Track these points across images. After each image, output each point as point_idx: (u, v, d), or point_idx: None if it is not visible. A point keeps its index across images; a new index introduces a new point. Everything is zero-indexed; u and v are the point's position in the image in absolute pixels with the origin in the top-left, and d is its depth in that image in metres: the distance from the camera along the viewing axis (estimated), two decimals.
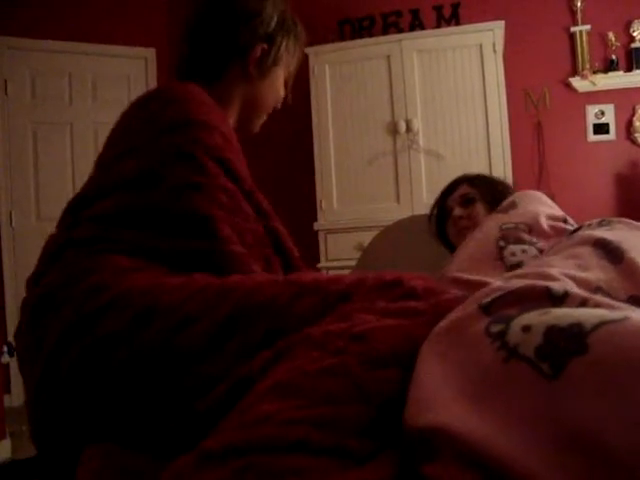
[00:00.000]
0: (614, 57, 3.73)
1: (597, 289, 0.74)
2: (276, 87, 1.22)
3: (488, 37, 3.61)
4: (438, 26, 3.88)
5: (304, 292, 0.74)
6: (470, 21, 3.75)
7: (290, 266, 1.02)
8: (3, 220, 3.91)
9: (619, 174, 3.79)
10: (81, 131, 4.17)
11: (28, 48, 4.00)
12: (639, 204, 3.69)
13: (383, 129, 3.76)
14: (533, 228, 1.20)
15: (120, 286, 0.81)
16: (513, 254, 1.14)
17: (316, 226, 3.74)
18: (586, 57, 3.79)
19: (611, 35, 3.74)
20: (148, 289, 0.80)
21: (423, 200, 3.54)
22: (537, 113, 3.88)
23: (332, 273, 3.28)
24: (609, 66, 3.75)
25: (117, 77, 4.30)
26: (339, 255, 3.63)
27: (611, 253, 0.82)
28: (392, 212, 3.44)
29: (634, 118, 3.77)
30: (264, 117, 1.26)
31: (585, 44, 3.80)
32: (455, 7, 3.86)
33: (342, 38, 4.03)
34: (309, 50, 3.63)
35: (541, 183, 3.75)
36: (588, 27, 3.79)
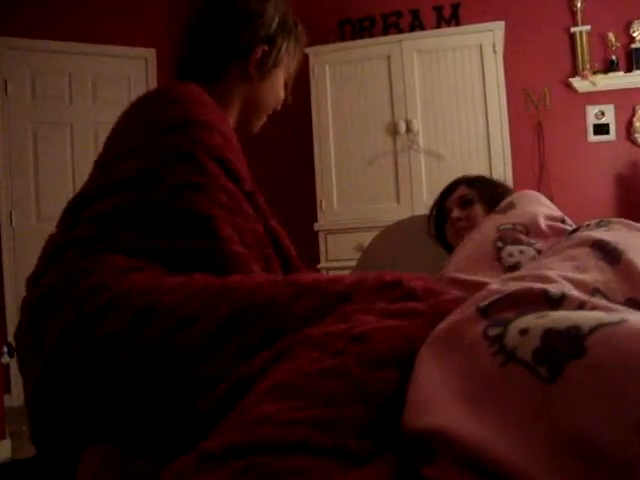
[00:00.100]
0: (614, 57, 3.73)
1: (594, 291, 0.74)
2: (276, 88, 1.23)
3: (488, 37, 3.61)
4: (438, 26, 3.88)
5: (304, 293, 0.74)
6: (470, 21, 3.75)
7: (288, 266, 1.02)
8: (3, 220, 3.91)
9: (619, 174, 3.79)
10: (81, 131, 4.17)
11: (28, 48, 4.00)
12: (639, 205, 3.69)
13: (383, 129, 3.76)
14: (531, 229, 1.20)
15: (120, 286, 0.81)
16: (511, 255, 1.14)
17: (316, 226, 3.74)
18: (586, 57, 3.79)
19: (611, 35, 3.74)
20: (148, 289, 0.80)
21: (423, 200, 3.54)
22: (537, 113, 3.88)
23: (332, 273, 3.28)
24: (609, 66, 3.75)
25: (117, 77, 4.29)
26: (339, 255, 3.63)
27: (609, 254, 0.82)
28: (392, 212, 3.44)
29: (634, 118, 3.77)
30: (264, 118, 1.26)
31: (585, 44, 3.80)
32: (455, 7, 3.87)
33: (342, 38, 4.03)
34: (309, 50, 3.63)
35: (541, 183, 3.75)
36: (588, 27, 3.79)
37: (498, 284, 0.69)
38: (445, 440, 0.50)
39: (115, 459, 0.76)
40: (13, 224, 3.94)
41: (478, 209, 1.46)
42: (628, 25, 3.77)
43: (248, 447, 0.52)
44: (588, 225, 1.03)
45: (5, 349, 3.43)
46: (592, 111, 3.84)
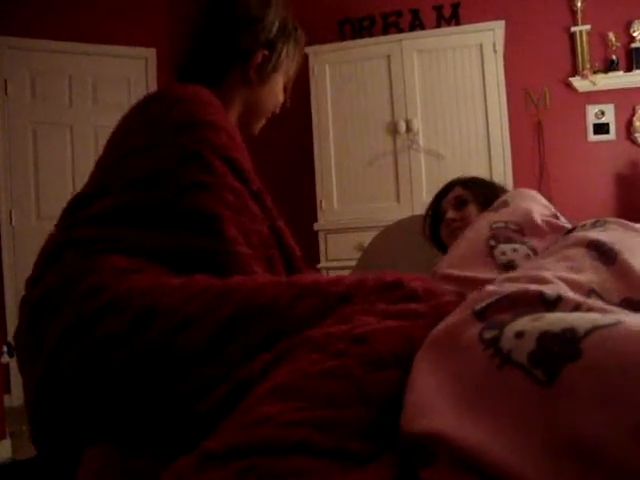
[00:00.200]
0: (614, 57, 3.73)
1: (590, 291, 0.74)
2: (275, 92, 1.23)
3: (488, 37, 3.61)
4: (438, 26, 3.88)
5: (304, 294, 0.74)
6: (470, 21, 3.75)
7: (292, 267, 1.02)
8: (3, 219, 3.91)
9: (619, 174, 3.79)
10: (81, 131, 4.17)
11: (28, 48, 4.00)
12: (639, 204, 3.68)
13: (383, 129, 3.75)
14: (524, 226, 1.20)
15: (119, 287, 0.81)
16: (503, 253, 1.14)
17: (316, 226, 3.74)
18: (586, 57, 3.79)
19: (611, 35, 3.74)
20: (148, 290, 0.80)
21: (423, 200, 3.54)
22: (537, 113, 3.88)
23: (332, 273, 3.28)
24: (609, 66, 3.74)
25: (117, 77, 4.29)
26: (339, 255, 3.63)
27: (605, 254, 0.82)
28: (392, 212, 3.44)
29: (634, 118, 3.76)
30: (263, 121, 1.27)
31: (585, 44, 3.80)
32: (455, 7, 3.86)
33: (342, 38, 4.02)
34: (309, 50, 3.63)
35: (541, 183, 3.75)
36: (588, 27, 3.79)
37: (494, 285, 0.69)
38: (442, 444, 0.50)
39: (115, 459, 0.76)
40: (13, 223, 3.94)
41: (472, 209, 1.46)
42: (628, 25, 3.77)
43: (249, 447, 0.52)
44: (584, 225, 1.03)
45: (5, 349, 3.43)
46: (592, 111, 3.84)
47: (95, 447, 0.78)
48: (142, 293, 0.79)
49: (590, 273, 0.78)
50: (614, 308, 0.64)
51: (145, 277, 0.83)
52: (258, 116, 1.24)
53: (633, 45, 3.74)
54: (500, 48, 3.61)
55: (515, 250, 1.13)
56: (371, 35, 3.97)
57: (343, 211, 3.76)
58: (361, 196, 3.75)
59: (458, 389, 0.54)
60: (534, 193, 1.36)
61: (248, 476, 0.50)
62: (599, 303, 0.64)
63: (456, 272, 1.13)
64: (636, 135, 3.75)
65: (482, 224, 1.25)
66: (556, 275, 0.74)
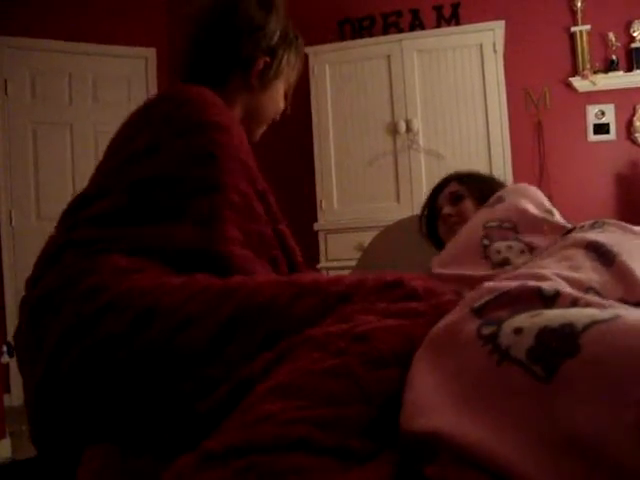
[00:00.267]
0: (614, 57, 3.73)
1: (589, 290, 0.74)
2: (276, 99, 1.25)
3: (488, 37, 3.61)
4: (438, 26, 3.88)
5: (304, 293, 0.75)
6: (470, 21, 3.75)
7: (293, 269, 1.03)
8: (3, 219, 3.91)
9: (619, 174, 3.79)
10: (81, 131, 4.17)
11: (28, 48, 4.00)
12: (639, 205, 3.68)
13: (383, 129, 3.75)
14: (519, 223, 1.19)
15: (119, 287, 0.81)
16: (498, 251, 1.13)
17: (316, 226, 3.74)
18: (586, 57, 3.79)
19: (611, 35, 3.74)
20: (148, 290, 0.80)
21: (423, 200, 3.53)
22: (537, 113, 3.88)
23: (332, 273, 3.28)
24: (609, 66, 3.74)
25: (117, 77, 4.29)
26: (339, 255, 3.63)
27: (603, 256, 0.82)
28: (392, 212, 3.44)
29: (634, 118, 3.77)
30: (264, 127, 1.28)
31: (585, 44, 3.80)
32: (455, 7, 3.86)
33: (342, 38, 4.02)
34: (309, 50, 3.63)
35: (541, 183, 3.75)
36: (588, 27, 3.79)
37: (492, 283, 0.69)
38: (441, 442, 0.50)
39: (116, 459, 0.76)
40: (13, 223, 3.94)
41: (469, 204, 1.45)
42: (628, 25, 3.77)
43: (249, 446, 0.53)
44: (582, 227, 1.03)
45: (5, 349, 3.43)
46: (592, 111, 3.84)
47: (95, 447, 0.78)
48: (142, 293, 0.79)
49: (589, 272, 0.78)
50: (612, 302, 0.64)
51: (146, 277, 0.83)
52: (259, 122, 1.25)
53: (633, 45, 3.74)
54: (500, 48, 3.61)
55: (510, 247, 1.12)
56: (371, 35, 3.97)
57: (343, 211, 3.76)
58: (361, 196, 3.75)
59: (457, 386, 0.54)
60: (531, 189, 1.34)
61: (249, 475, 0.50)
62: (597, 298, 0.64)
63: (448, 271, 1.13)
64: (636, 135, 3.75)
65: (476, 223, 1.24)
66: (555, 272, 0.74)
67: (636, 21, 3.75)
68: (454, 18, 3.87)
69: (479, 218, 1.26)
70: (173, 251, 0.89)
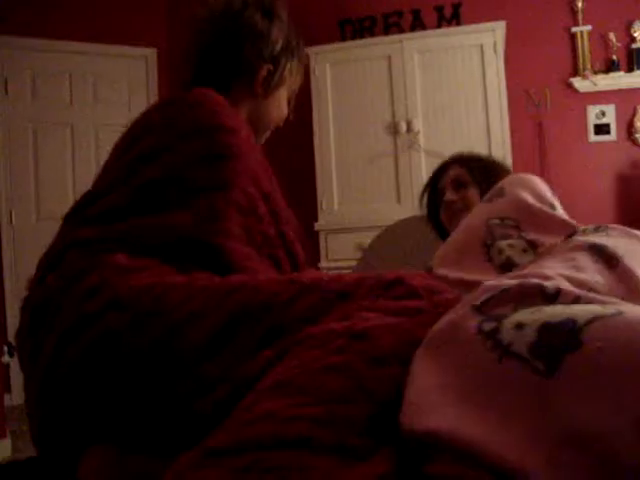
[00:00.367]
0: (615, 57, 3.73)
1: (592, 290, 0.74)
2: (280, 105, 1.27)
3: (489, 37, 3.61)
4: (439, 26, 3.88)
5: (304, 291, 0.75)
6: (471, 21, 3.75)
7: (296, 270, 1.03)
8: (3, 219, 3.91)
9: (620, 175, 3.79)
10: (81, 130, 4.17)
11: (29, 47, 4.00)
12: None
13: (384, 129, 3.75)
14: (521, 219, 1.17)
15: (121, 286, 0.81)
16: (500, 251, 1.12)
17: (316, 226, 3.74)
18: (587, 57, 3.79)
19: (612, 35, 3.74)
20: (149, 288, 0.80)
21: (423, 200, 3.54)
22: (538, 113, 3.88)
23: (333, 273, 3.27)
24: (610, 66, 3.74)
25: (118, 77, 4.29)
26: (339, 255, 3.63)
27: (606, 259, 0.82)
28: (393, 212, 3.43)
29: (635, 118, 3.76)
30: (268, 133, 1.31)
31: (586, 44, 3.80)
32: (456, 7, 3.86)
33: (343, 38, 4.02)
34: (310, 50, 3.63)
35: None
36: (589, 27, 3.79)
37: (493, 281, 0.68)
38: (441, 441, 0.50)
39: (117, 459, 0.76)
40: (13, 223, 3.94)
41: (473, 192, 1.44)
42: (629, 25, 3.77)
43: (250, 444, 0.53)
44: (585, 230, 1.02)
45: (5, 349, 3.43)
46: (593, 111, 3.83)
47: (97, 447, 0.78)
48: (144, 291, 0.80)
49: (593, 273, 0.78)
50: (614, 299, 0.64)
51: (147, 275, 0.84)
52: (263, 128, 1.27)
53: (634, 45, 3.74)
54: (501, 48, 3.61)
55: (511, 246, 1.11)
56: (372, 35, 3.97)
57: (343, 211, 3.76)
58: (362, 196, 3.75)
59: (458, 383, 0.54)
60: (532, 180, 1.32)
61: (250, 472, 0.50)
62: (599, 296, 0.64)
63: (452, 274, 1.12)
64: (637, 136, 3.75)
65: (477, 220, 1.22)
66: (558, 272, 0.74)
67: (637, 21, 3.75)
68: (455, 18, 3.87)
69: (480, 214, 1.24)
70: (174, 243, 0.90)
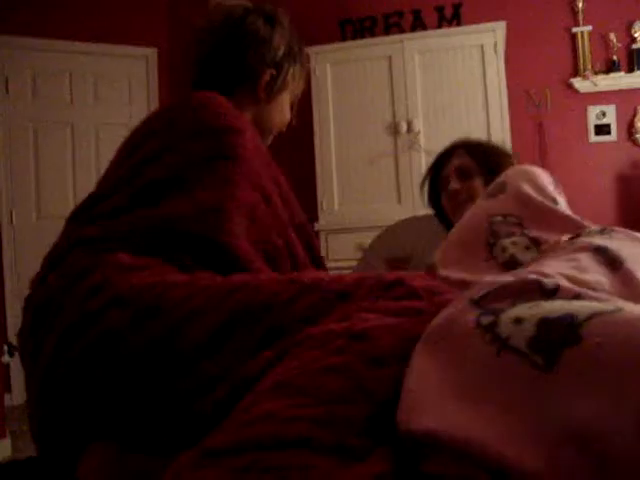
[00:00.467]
0: (615, 58, 3.73)
1: (594, 291, 0.74)
2: (283, 110, 1.29)
3: (489, 38, 3.61)
4: (440, 26, 3.88)
5: (304, 291, 0.75)
6: (472, 22, 3.75)
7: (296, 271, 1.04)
8: (4, 218, 3.91)
9: (620, 175, 3.79)
10: (82, 130, 4.18)
11: (29, 47, 4.00)
12: None
13: (384, 129, 3.76)
14: (524, 215, 1.16)
15: (123, 283, 0.82)
16: (504, 249, 1.11)
17: (317, 226, 3.74)
18: (587, 58, 3.79)
19: (612, 36, 3.74)
20: (151, 286, 0.81)
21: (424, 200, 3.53)
22: (538, 114, 3.88)
23: (333, 273, 3.27)
24: (610, 67, 3.75)
25: (118, 77, 4.30)
26: (340, 255, 3.63)
27: (610, 261, 0.82)
28: (393, 212, 3.43)
29: (635, 119, 3.76)
30: (271, 138, 1.32)
31: (586, 45, 3.80)
32: (457, 7, 3.87)
33: (344, 38, 4.02)
34: (310, 50, 3.63)
35: None
36: (589, 28, 3.79)
37: (492, 277, 0.68)
38: (439, 439, 0.50)
39: (117, 458, 0.76)
40: (13, 222, 3.94)
41: (478, 183, 1.42)
42: (629, 25, 3.77)
43: (250, 444, 0.53)
44: (590, 232, 1.01)
45: (5, 348, 3.43)
46: (593, 111, 3.84)
47: (97, 445, 0.78)
48: (146, 289, 0.80)
49: (595, 274, 0.77)
50: (614, 297, 0.64)
51: (149, 274, 0.84)
52: (266, 132, 1.28)
53: (634, 46, 3.74)
54: (501, 49, 3.61)
55: (514, 243, 1.11)
56: (373, 35, 3.97)
57: (344, 211, 3.76)
58: (362, 196, 3.75)
59: (456, 377, 0.53)
60: (535, 172, 1.28)
61: (250, 472, 0.50)
62: (598, 294, 0.63)
63: (455, 275, 1.12)
64: (637, 136, 3.75)
65: (479, 218, 1.20)
66: (558, 271, 0.74)
67: (637, 22, 3.75)
68: (455, 19, 3.87)
69: (482, 211, 1.22)
70: (178, 239, 0.91)
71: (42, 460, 0.88)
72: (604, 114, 3.82)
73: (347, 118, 3.80)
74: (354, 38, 4.00)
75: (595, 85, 3.76)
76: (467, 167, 1.45)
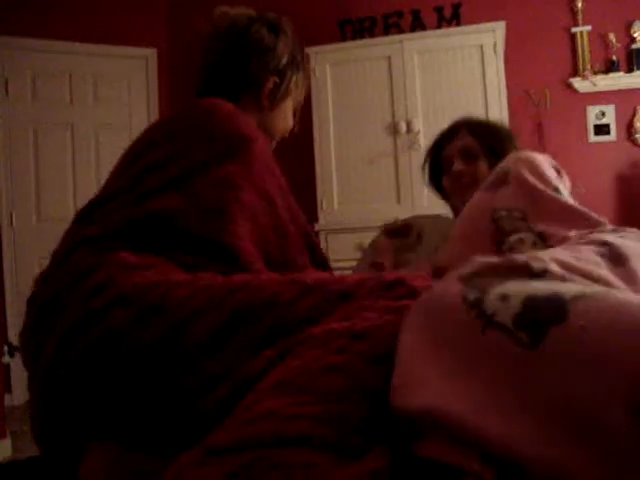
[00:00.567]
0: (615, 58, 3.73)
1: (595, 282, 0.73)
2: (285, 117, 1.31)
3: (489, 38, 3.61)
4: (439, 27, 3.88)
5: (306, 291, 0.75)
6: (471, 22, 3.75)
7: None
8: (4, 220, 3.91)
9: (620, 175, 3.79)
10: (81, 131, 4.18)
11: (29, 48, 4.00)
12: None
13: (384, 129, 3.76)
14: (528, 208, 1.13)
15: (126, 282, 0.82)
16: (511, 248, 1.11)
17: (316, 226, 3.74)
18: (587, 58, 3.79)
19: (612, 36, 3.74)
20: (155, 285, 0.81)
21: (424, 201, 3.54)
22: (538, 114, 3.88)
23: (335, 274, 3.27)
24: (610, 67, 3.75)
25: (118, 77, 4.30)
26: (340, 255, 3.63)
27: (615, 257, 0.81)
28: (393, 212, 3.43)
29: (635, 119, 3.77)
30: (273, 144, 1.33)
31: (586, 45, 3.80)
32: (456, 8, 3.87)
33: (343, 39, 4.02)
34: (310, 50, 3.64)
35: None
36: (589, 28, 3.80)
37: (482, 257, 0.67)
38: (429, 419, 0.50)
39: (118, 457, 0.76)
40: (13, 224, 3.94)
41: (483, 166, 1.37)
42: (629, 25, 3.78)
43: (252, 442, 0.53)
44: (602, 231, 1.01)
45: (5, 349, 3.43)
46: (593, 111, 3.84)
47: (99, 444, 0.78)
48: (149, 288, 0.81)
49: (594, 267, 0.77)
50: (602, 286, 0.64)
51: (153, 273, 0.85)
52: (269, 139, 1.29)
53: (634, 46, 3.74)
54: (501, 49, 3.61)
55: (521, 240, 1.08)
56: (372, 36, 3.97)
57: (343, 211, 3.77)
58: (361, 196, 3.75)
59: (442, 354, 0.53)
60: (536, 160, 1.24)
61: (252, 469, 0.50)
62: (585, 280, 0.63)
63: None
64: (637, 136, 3.75)
65: (482, 214, 1.18)
66: (553, 257, 0.73)
67: (636, 22, 3.75)
68: (455, 19, 3.87)
69: (485, 205, 1.19)
70: (181, 239, 0.91)
71: (44, 460, 0.89)
72: (603, 114, 3.82)
73: (347, 118, 3.80)
74: (354, 38, 4.00)
75: (594, 85, 3.77)
76: (471, 148, 1.40)
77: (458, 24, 3.84)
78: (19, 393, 3.55)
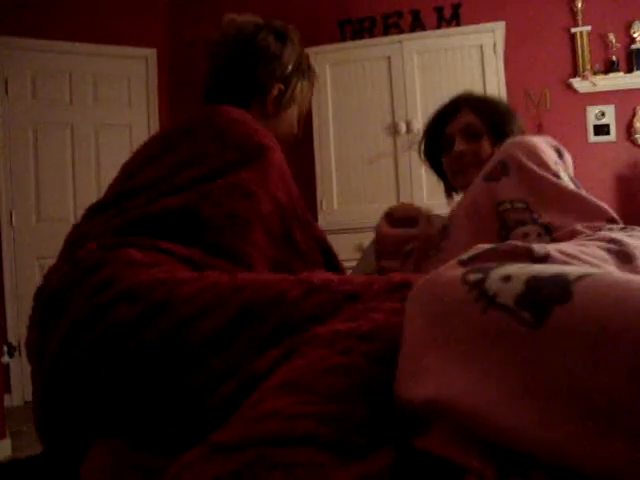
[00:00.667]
0: (614, 58, 3.74)
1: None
2: (291, 124, 1.32)
3: (489, 38, 3.62)
4: (439, 27, 3.88)
5: (313, 290, 0.76)
6: (471, 22, 3.75)
7: None
8: (3, 220, 3.91)
9: (620, 175, 3.80)
10: (81, 130, 4.17)
11: (29, 48, 4.00)
12: None
13: (383, 130, 3.76)
14: (531, 199, 1.11)
15: (132, 279, 0.83)
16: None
17: None
18: (587, 58, 3.80)
19: (611, 36, 3.75)
20: (161, 282, 0.81)
21: (423, 201, 3.54)
22: (538, 114, 3.89)
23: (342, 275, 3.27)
24: (610, 67, 3.75)
25: (118, 77, 4.30)
26: (340, 255, 3.62)
27: (621, 254, 0.81)
28: None
29: (634, 119, 3.77)
30: None
31: (586, 45, 3.81)
32: (456, 8, 3.87)
33: (343, 39, 4.03)
34: (310, 50, 3.63)
35: None
36: (588, 28, 3.80)
37: (483, 244, 0.67)
38: (432, 409, 0.49)
39: (122, 454, 0.76)
40: (13, 224, 3.93)
41: (486, 145, 1.32)
42: (628, 26, 3.78)
43: (257, 440, 0.53)
44: (611, 228, 1.00)
45: (5, 349, 3.43)
46: (592, 112, 3.84)
47: (102, 441, 0.78)
48: (155, 284, 0.81)
49: (599, 261, 0.76)
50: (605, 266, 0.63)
51: (158, 270, 0.85)
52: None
53: (633, 46, 3.75)
54: (500, 49, 3.62)
55: (526, 234, 1.06)
56: (372, 36, 3.97)
57: (343, 212, 3.77)
58: (361, 197, 3.75)
59: (443, 338, 0.52)
60: (536, 147, 1.18)
61: (256, 467, 0.51)
62: (587, 266, 0.63)
63: None
64: (636, 136, 3.76)
65: (485, 208, 1.15)
66: (557, 248, 0.72)
67: (636, 22, 3.76)
68: (455, 19, 3.87)
69: (487, 198, 1.16)
70: (191, 232, 0.93)
71: (44, 459, 0.89)
72: (603, 114, 3.82)
73: (346, 118, 3.80)
74: (353, 38, 4.00)
75: (594, 85, 3.77)
76: (475, 127, 1.34)
77: (458, 24, 3.84)
78: (19, 393, 3.55)
